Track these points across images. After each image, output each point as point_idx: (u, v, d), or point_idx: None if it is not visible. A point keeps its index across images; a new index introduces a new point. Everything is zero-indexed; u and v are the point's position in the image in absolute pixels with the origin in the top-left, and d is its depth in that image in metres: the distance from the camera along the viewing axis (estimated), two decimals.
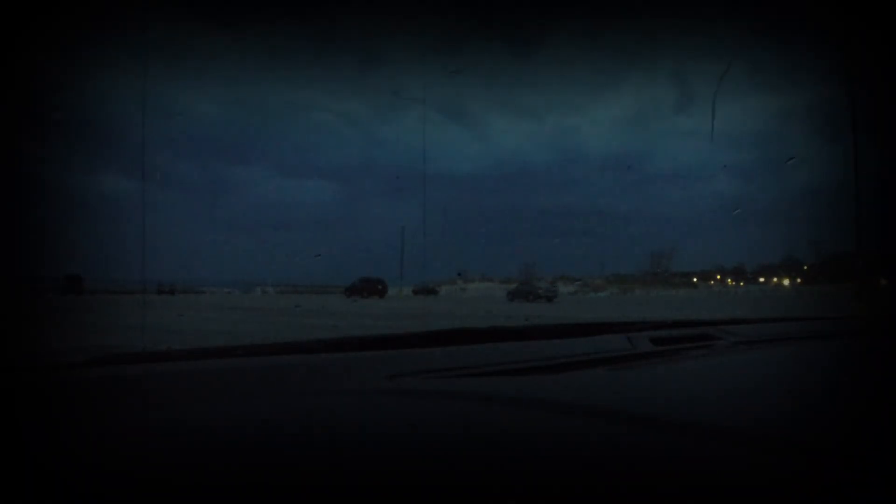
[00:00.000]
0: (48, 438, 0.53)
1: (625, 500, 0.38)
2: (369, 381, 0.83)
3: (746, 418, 0.58)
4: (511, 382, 0.83)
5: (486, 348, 1.11)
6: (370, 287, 20.77)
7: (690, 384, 0.87)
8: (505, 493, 0.39)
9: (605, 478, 0.42)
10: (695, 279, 31.21)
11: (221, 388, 0.78)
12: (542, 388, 0.76)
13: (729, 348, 1.28)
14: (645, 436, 0.51)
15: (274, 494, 0.39)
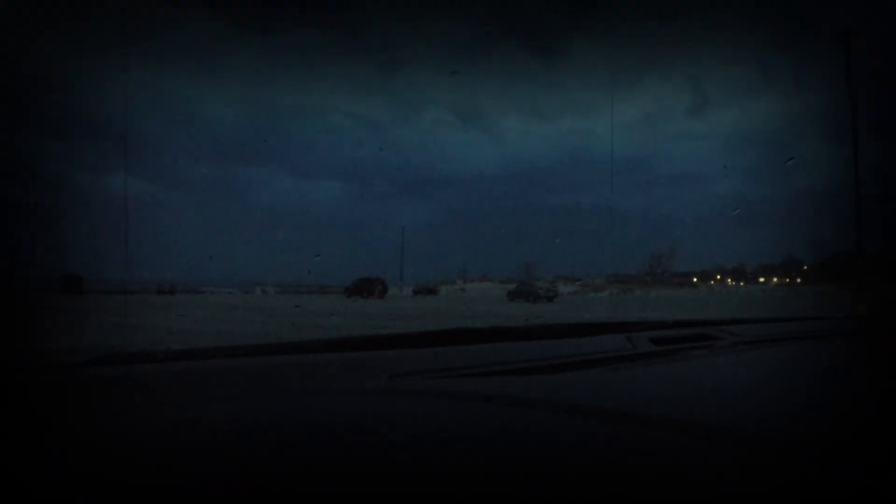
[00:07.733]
0: (48, 438, 0.53)
1: (625, 500, 0.38)
2: (370, 381, 0.84)
3: (746, 418, 0.58)
4: (511, 382, 0.82)
5: (486, 348, 1.11)
6: (369, 287, 20.74)
7: (690, 384, 0.87)
8: (505, 493, 0.39)
9: (605, 478, 0.42)
10: (695, 279, 31.20)
11: (222, 388, 0.78)
12: (542, 388, 0.76)
13: (729, 348, 1.28)
14: (645, 436, 0.51)
15: (275, 494, 0.39)
